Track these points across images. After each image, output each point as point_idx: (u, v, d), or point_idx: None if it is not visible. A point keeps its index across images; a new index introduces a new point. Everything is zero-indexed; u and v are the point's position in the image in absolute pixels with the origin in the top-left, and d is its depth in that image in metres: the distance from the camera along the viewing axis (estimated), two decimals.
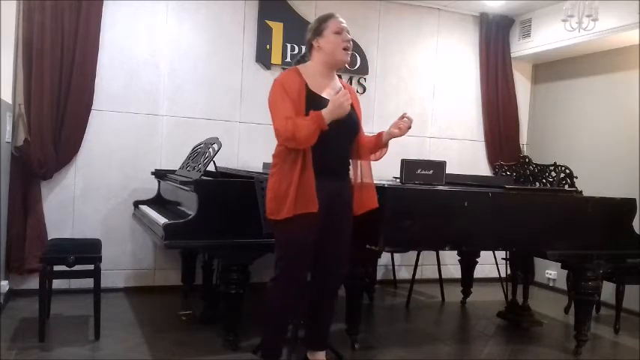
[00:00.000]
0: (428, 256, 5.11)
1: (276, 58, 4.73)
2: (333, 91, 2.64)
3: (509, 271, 4.28)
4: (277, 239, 2.62)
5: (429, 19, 5.33)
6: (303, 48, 2.83)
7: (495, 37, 5.44)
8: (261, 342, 2.82)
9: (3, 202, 3.70)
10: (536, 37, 5.22)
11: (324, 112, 2.46)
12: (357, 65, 5.00)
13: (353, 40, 2.79)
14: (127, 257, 4.40)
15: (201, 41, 4.58)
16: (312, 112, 2.47)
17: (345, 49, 2.64)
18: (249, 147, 4.69)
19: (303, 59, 2.77)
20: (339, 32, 2.62)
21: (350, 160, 2.74)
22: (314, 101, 2.55)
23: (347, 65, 2.77)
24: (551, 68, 5.56)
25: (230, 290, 3.06)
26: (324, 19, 2.67)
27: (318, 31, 2.65)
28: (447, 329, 4.05)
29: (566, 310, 4.44)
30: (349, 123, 2.64)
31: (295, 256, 2.58)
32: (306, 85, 2.58)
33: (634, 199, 3.53)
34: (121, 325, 3.53)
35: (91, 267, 3.17)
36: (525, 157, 4.23)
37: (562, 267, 3.74)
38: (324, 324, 2.83)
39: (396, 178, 3.59)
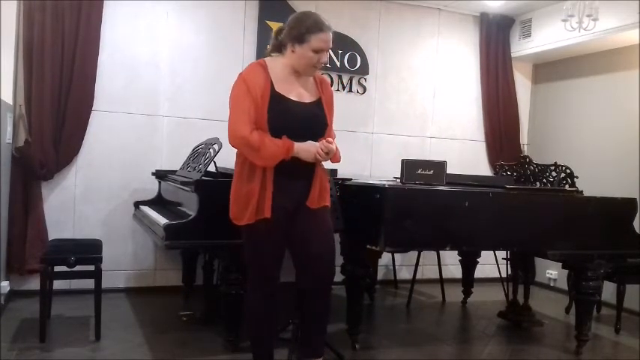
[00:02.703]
0: (428, 256, 5.10)
1: None
2: (304, 91, 2.53)
3: (509, 271, 4.27)
4: (244, 243, 2.58)
5: (429, 19, 5.33)
6: None
7: (495, 37, 5.44)
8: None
9: (4, 202, 3.70)
10: (536, 36, 5.21)
11: (297, 147, 2.40)
12: (358, 65, 4.98)
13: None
14: (127, 258, 4.40)
15: (201, 41, 4.58)
16: (285, 140, 2.39)
17: (315, 66, 2.48)
18: None
19: (276, 49, 2.55)
20: (318, 51, 2.43)
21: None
22: (279, 103, 2.44)
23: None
24: (552, 68, 5.55)
25: (231, 290, 3.07)
26: (310, 29, 2.41)
27: (299, 37, 2.42)
28: (448, 329, 4.05)
29: (567, 310, 4.44)
30: (315, 122, 2.55)
31: (262, 259, 2.56)
32: (272, 85, 2.45)
33: (634, 199, 3.53)
34: (122, 326, 3.53)
35: (92, 267, 3.17)
36: (526, 157, 4.22)
37: (563, 267, 3.74)
38: (316, 328, 2.63)
39: (396, 178, 3.58)
